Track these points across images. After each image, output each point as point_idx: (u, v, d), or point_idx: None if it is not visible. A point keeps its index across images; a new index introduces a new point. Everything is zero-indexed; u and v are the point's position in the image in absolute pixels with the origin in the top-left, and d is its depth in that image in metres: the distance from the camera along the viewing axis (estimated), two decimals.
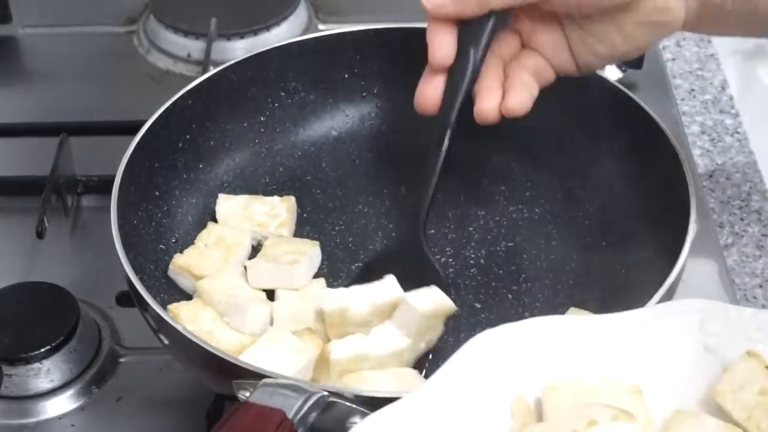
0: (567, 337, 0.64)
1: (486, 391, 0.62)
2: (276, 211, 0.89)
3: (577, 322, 0.66)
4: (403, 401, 0.60)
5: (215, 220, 0.89)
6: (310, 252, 0.85)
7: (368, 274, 0.82)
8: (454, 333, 0.82)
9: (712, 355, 0.65)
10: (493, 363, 0.63)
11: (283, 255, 0.84)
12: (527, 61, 0.82)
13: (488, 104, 0.80)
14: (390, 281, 0.79)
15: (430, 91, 0.81)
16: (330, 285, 0.85)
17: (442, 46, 0.80)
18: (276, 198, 0.90)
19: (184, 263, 0.83)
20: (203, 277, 0.82)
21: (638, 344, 0.65)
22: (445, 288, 0.80)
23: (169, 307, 0.80)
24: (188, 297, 0.84)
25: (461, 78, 0.81)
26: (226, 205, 0.89)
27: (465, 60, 0.80)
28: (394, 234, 0.89)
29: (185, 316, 0.79)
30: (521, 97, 0.81)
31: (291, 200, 0.90)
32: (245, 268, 0.84)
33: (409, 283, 0.79)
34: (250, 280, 0.83)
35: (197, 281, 0.82)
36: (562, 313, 0.83)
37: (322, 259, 0.88)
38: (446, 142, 0.82)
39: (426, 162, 0.83)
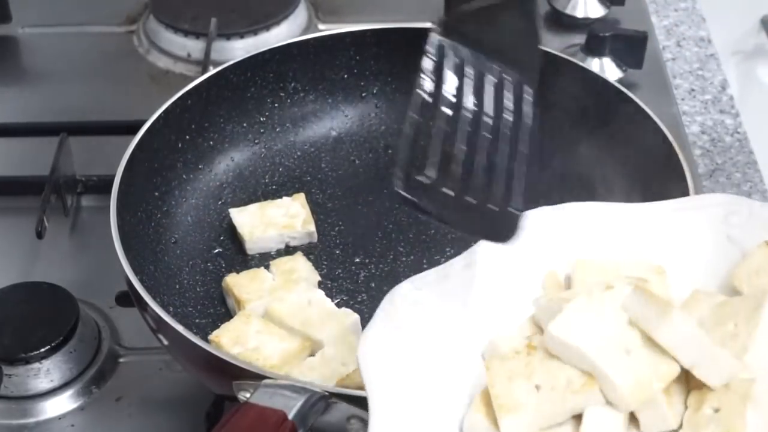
0: (598, 220, 0.70)
1: (522, 266, 0.68)
2: (293, 211, 0.89)
3: (608, 208, 0.71)
4: (444, 269, 0.66)
5: (215, 224, 0.89)
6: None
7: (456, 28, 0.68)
8: None
9: (733, 244, 0.69)
10: (529, 241, 0.67)
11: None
12: None
13: None
14: None
15: None
16: (329, 285, 0.86)
17: None
18: (286, 198, 0.90)
19: (231, 282, 0.83)
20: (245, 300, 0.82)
21: (665, 231, 0.69)
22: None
23: (210, 337, 0.78)
24: (191, 295, 0.84)
25: None
26: (242, 216, 0.89)
27: None
28: None
29: (226, 342, 0.78)
30: None
31: (301, 197, 0.91)
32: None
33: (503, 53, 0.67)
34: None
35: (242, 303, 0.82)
36: None
37: (322, 259, 0.88)
38: None
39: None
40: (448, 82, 0.65)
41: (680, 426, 0.61)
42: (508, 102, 0.66)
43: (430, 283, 0.66)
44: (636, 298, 0.62)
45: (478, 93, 0.66)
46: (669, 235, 0.69)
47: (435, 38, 0.66)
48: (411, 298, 0.65)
